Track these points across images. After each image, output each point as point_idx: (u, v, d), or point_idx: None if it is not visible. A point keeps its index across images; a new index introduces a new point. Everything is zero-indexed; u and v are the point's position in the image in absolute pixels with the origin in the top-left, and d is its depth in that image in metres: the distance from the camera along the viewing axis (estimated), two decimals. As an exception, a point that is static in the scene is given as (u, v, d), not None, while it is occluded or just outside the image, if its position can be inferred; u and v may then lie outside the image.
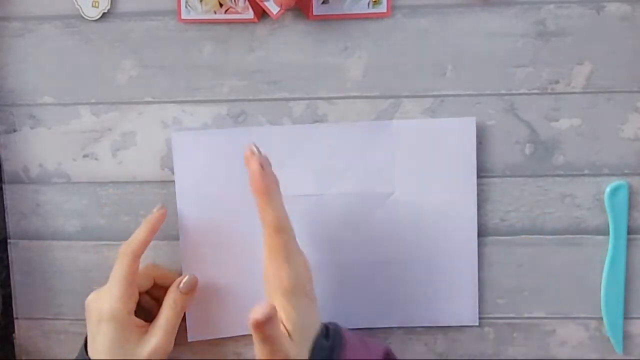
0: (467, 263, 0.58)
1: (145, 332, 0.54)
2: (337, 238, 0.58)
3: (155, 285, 0.57)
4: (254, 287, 0.58)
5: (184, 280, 0.56)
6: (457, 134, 0.57)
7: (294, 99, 0.58)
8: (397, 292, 0.58)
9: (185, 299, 0.56)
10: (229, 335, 0.59)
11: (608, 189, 0.57)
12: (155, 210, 0.56)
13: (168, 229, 0.58)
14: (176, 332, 0.55)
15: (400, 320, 0.59)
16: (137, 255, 0.54)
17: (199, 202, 0.57)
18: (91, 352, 0.53)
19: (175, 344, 0.61)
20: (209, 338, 0.59)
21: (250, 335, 0.59)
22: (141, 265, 0.55)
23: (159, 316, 0.55)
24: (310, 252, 0.57)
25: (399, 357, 0.54)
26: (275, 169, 0.53)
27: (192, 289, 0.56)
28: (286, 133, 0.58)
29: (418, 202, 0.58)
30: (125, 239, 0.55)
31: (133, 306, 0.54)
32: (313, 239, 0.58)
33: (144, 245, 0.55)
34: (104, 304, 0.53)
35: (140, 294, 0.55)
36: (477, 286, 0.58)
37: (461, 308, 0.59)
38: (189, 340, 0.59)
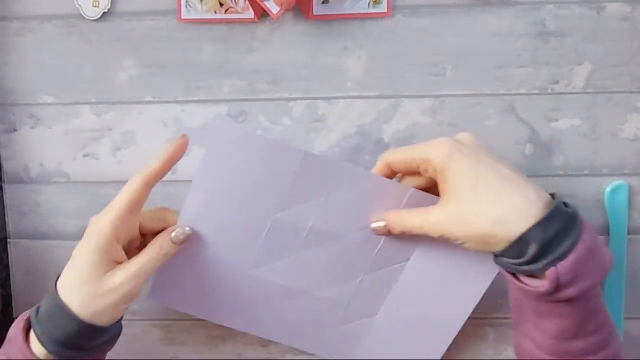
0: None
1: None
2: (332, 237, 0.58)
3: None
4: (249, 284, 0.58)
5: (177, 230, 0.51)
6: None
7: (294, 99, 0.58)
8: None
9: (172, 249, 0.50)
10: (186, 312, 0.56)
11: (608, 189, 0.57)
12: (176, 139, 0.50)
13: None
14: (147, 279, 0.49)
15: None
16: (147, 184, 0.49)
17: (209, 198, 0.53)
18: (64, 276, 0.49)
19: (175, 344, 0.61)
20: (167, 305, 0.56)
21: (250, 335, 0.59)
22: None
23: (137, 255, 0.49)
24: (308, 251, 0.57)
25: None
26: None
27: (182, 241, 0.51)
28: (283, 132, 0.57)
29: None
30: (125, 238, 0.55)
31: (124, 237, 0.49)
32: (309, 238, 0.58)
33: (159, 175, 0.49)
34: (97, 224, 0.48)
35: (145, 236, 0.52)
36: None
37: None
38: (147, 298, 0.55)
